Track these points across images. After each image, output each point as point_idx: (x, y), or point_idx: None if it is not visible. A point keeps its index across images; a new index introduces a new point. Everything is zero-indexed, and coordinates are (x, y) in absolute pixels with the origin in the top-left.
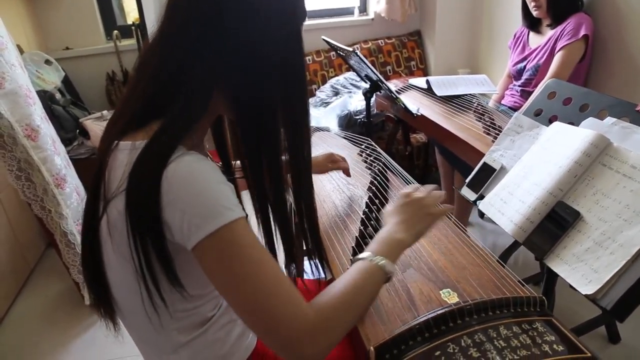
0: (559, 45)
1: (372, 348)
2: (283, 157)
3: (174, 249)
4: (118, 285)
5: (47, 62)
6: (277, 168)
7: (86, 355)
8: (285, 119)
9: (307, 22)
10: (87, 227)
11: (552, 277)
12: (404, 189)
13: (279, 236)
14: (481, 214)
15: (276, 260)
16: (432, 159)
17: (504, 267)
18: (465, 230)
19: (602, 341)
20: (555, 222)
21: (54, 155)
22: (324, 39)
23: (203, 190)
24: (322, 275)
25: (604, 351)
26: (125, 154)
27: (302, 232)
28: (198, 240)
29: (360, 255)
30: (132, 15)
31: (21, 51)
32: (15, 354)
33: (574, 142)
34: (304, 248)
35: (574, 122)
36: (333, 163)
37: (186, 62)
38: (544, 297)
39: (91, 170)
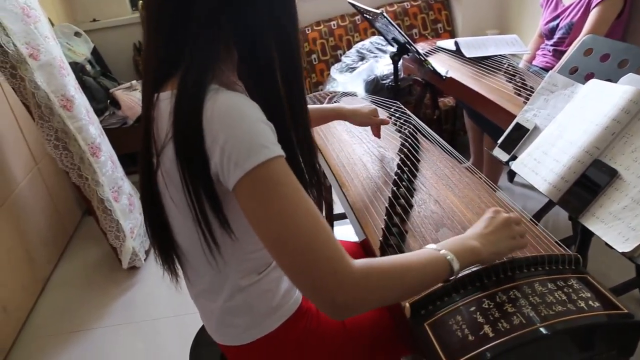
0: (595, 1)
1: (407, 304)
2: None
3: (222, 190)
4: (180, 232)
5: (77, 34)
6: (298, 101)
7: (125, 316)
8: (279, 48)
9: None
10: (145, 181)
11: (587, 236)
12: (494, 207)
13: None
14: (510, 178)
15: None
16: (461, 122)
17: (537, 225)
18: (496, 190)
19: (636, 304)
20: (592, 181)
21: (89, 125)
22: (349, 2)
23: (240, 126)
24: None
25: (636, 314)
26: (167, 103)
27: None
28: (237, 179)
29: (431, 245)
30: None
31: (52, 24)
32: (59, 314)
33: (612, 99)
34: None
35: (612, 79)
36: (375, 117)
37: (183, 9)
38: (578, 255)
39: (123, 139)
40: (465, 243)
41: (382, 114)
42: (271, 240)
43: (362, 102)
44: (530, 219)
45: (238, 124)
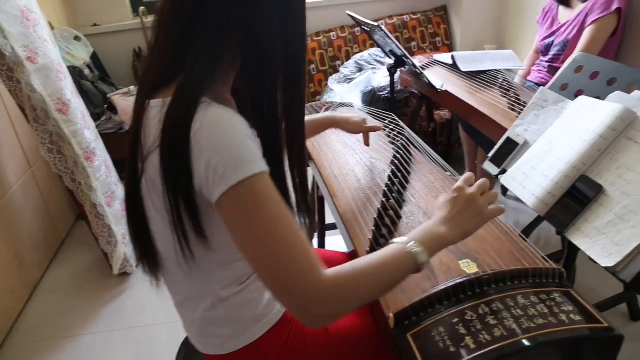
0: (590, 19)
1: (391, 315)
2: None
3: (204, 202)
4: (160, 239)
5: (77, 38)
6: (275, 121)
7: (114, 323)
8: (284, 69)
9: None
10: (130, 186)
11: (573, 251)
12: (457, 182)
13: None
14: (504, 191)
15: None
16: (456, 135)
17: (525, 241)
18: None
19: (624, 318)
20: (578, 196)
21: (84, 129)
22: (348, 14)
23: (227, 141)
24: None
25: (624, 328)
26: (157, 111)
27: (294, 189)
28: (221, 193)
29: (396, 240)
30: None
31: (52, 28)
32: (48, 319)
33: (600, 116)
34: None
35: (601, 97)
36: (366, 124)
37: (196, 14)
38: (562, 269)
39: (119, 144)
40: (432, 231)
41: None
42: (251, 254)
43: (357, 112)
44: (519, 235)
45: (225, 138)
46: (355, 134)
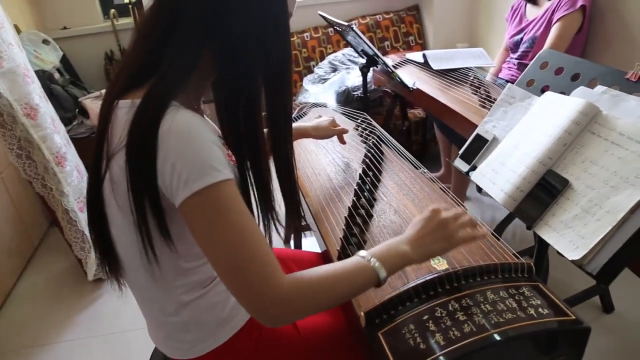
0: (556, 16)
1: (362, 313)
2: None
3: (168, 204)
4: (121, 242)
5: (45, 41)
6: (254, 129)
7: (90, 329)
8: (267, 78)
9: None
10: (92, 185)
11: (543, 245)
12: (434, 205)
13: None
14: (479, 188)
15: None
16: (431, 133)
17: (499, 240)
18: (463, 204)
19: (597, 311)
20: (545, 190)
21: (54, 134)
22: (320, 15)
23: (194, 146)
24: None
25: (598, 320)
26: (125, 112)
27: (282, 193)
28: (184, 197)
29: (360, 253)
30: None
31: (18, 31)
32: (21, 328)
33: (564, 111)
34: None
35: (566, 92)
36: (334, 126)
37: (175, 20)
38: (531, 264)
39: (91, 148)
40: (397, 248)
41: (349, 125)
42: (213, 259)
43: (331, 112)
44: (491, 233)
45: (192, 143)
46: (326, 138)
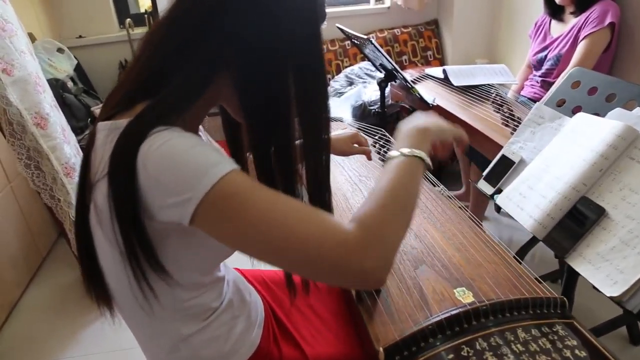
0: (583, 33)
1: (381, 349)
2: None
3: (159, 231)
4: (111, 274)
5: (60, 50)
6: (288, 164)
7: (96, 345)
8: (301, 113)
9: None
10: (79, 214)
11: (573, 277)
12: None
13: None
14: (497, 208)
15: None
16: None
17: (521, 264)
18: (481, 225)
19: (623, 342)
20: (578, 219)
21: (64, 144)
22: (338, 27)
23: (178, 161)
24: None
25: (624, 352)
26: (104, 135)
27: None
28: (191, 212)
29: (392, 153)
30: (144, 3)
31: (33, 39)
32: (27, 341)
33: (600, 134)
34: None
35: (600, 113)
36: (358, 144)
37: (190, 42)
38: (565, 298)
39: None
40: (413, 131)
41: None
42: (263, 254)
43: (347, 128)
44: (514, 257)
45: (175, 158)
46: (344, 156)
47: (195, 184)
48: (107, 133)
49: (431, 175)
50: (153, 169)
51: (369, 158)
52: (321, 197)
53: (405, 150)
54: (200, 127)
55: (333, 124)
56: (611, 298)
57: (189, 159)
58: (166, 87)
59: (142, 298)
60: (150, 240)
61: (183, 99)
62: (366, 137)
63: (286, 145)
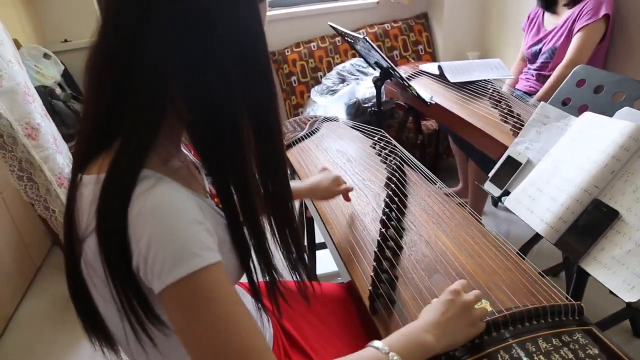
0: (578, 25)
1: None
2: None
3: (150, 288)
4: (110, 321)
5: (46, 55)
6: (244, 186)
7: (95, 356)
8: (251, 121)
9: (311, 6)
10: (69, 267)
11: (583, 279)
12: (453, 284)
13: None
14: (495, 203)
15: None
16: (444, 146)
17: (524, 259)
18: (480, 220)
19: (626, 335)
20: (592, 222)
21: (56, 154)
22: (330, 25)
23: (170, 231)
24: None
25: (628, 345)
26: (90, 190)
27: (284, 247)
28: (162, 287)
29: (376, 344)
30: None
31: (18, 46)
32: (25, 354)
33: (610, 135)
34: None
35: (607, 112)
36: (339, 186)
37: (125, 77)
38: (582, 305)
39: None
40: (418, 339)
41: (365, 143)
42: (197, 355)
43: (344, 128)
44: (517, 253)
45: (167, 226)
46: (327, 200)
47: (176, 264)
48: (93, 187)
49: (432, 174)
50: (142, 230)
51: (348, 199)
52: (281, 206)
53: (389, 354)
54: (183, 138)
55: (330, 125)
56: (629, 303)
57: (179, 235)
58: (126, 126)
59: (141, 347)
60: (144, 295)
61: (147, 133)
62: (365, 138)
63: (239, 162)
